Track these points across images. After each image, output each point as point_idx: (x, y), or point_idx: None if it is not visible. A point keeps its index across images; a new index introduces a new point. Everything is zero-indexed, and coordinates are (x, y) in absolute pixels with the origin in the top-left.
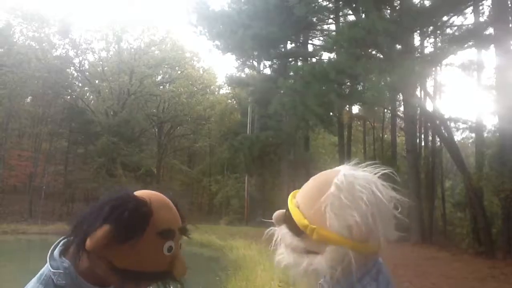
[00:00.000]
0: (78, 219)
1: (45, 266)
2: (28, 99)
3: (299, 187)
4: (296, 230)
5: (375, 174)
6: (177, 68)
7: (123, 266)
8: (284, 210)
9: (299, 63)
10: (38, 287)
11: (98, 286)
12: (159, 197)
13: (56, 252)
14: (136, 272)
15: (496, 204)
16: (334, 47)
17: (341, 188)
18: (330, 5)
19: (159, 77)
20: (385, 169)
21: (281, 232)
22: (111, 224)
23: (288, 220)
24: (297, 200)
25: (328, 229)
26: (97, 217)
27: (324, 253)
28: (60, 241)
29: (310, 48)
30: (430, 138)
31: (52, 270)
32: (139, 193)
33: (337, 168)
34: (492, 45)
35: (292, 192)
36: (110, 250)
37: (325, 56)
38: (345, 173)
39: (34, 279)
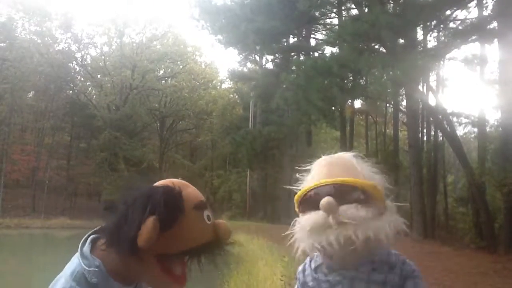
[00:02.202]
0: (112, 226)
1: (74, 262)
2: (31, 94)
3: None
4: (362, 199)
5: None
6: (179, 62)
7: (179, 250)
8: (329, 197)
9: (302, 58)
10: (71, 283)
11: (124, 285)
12: (178, 180)
13: (87, 250)
14: (191, 250)
15: (498, 198)
16: (337, 41)
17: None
18: None
19: (161, 72)
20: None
21: (348, 211)
22: (154, 214)
23: (346, 195)
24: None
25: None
26: (134, 216)
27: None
28: (87, 237)
29: (313, 42)
30: (433, 132)
31: (87, 269)
32: (157, 184)
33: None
34: (496, 39)
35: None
36: (161, 241)
37: (328, 50)
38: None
39: (65, 276)
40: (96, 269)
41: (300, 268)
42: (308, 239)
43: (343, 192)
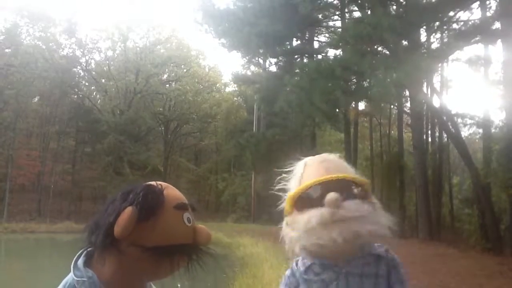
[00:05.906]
0: (91, 224)
1: (69, 275)
2: (36, 99)
3: None
4: (362, 195)
5: None
6: (183, 66)
7: (155, 244)
8: (335, 192)
9: (305, 60)
10: None
11: None
12: (162, 182)
13: (80, 262)
14: (167, 247)
15: (504, 200)
16: (340, 44)
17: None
18: (336, 1)
19: (165, 76)
20: None
21: (352, 206)
22: (132, 205)
23: (346, 190)
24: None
25: None
26: (113, 208)
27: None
28: (83, 251)
29: (316, 45)
30: (437, 134)
31: (76, 279)
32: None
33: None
34: (499, 40)
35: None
36: (138, 232)
37: (331, 53)
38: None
39: None
40: (85, 279)
41: (289, 272)
42: (310, 236)
43: (342, 188)
